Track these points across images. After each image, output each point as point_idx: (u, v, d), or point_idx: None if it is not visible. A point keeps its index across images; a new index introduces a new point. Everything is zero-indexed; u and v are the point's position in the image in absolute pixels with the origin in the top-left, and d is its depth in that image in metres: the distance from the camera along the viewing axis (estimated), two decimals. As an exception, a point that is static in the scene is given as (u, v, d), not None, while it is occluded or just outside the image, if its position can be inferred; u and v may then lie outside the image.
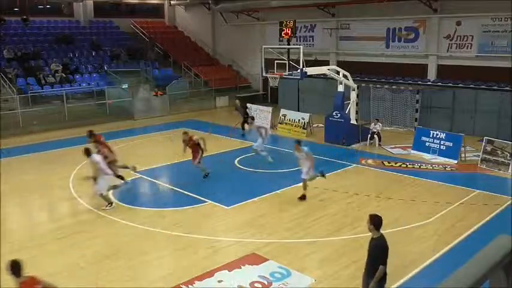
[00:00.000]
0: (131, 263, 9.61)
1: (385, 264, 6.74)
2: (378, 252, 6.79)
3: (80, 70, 28.56)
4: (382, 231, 6.91)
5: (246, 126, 20.85)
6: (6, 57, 27.33)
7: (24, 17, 30.96)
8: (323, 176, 13.29)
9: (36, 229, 11.57)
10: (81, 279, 9.03)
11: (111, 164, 13.35)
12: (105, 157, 13.01)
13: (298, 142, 12.87)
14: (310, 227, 11.20)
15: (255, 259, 9.60)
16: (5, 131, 21.35)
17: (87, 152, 12.36)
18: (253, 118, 19.12)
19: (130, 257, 9.89)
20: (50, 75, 26.77)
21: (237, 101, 23.21)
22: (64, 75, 27.18)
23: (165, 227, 11.31)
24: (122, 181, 13.68)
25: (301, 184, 12.92)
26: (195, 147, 14.67)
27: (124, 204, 12.89)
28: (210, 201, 12.93)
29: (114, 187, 13.26)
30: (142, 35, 35.08)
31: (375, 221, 6.84)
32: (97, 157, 12.37)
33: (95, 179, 12.24)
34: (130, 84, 27.54)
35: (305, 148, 12.68)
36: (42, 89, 25.74)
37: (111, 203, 12.50)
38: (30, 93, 24.79)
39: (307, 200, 12.86)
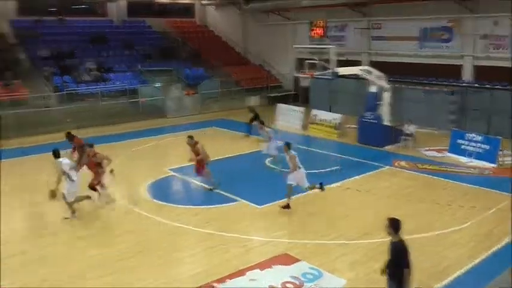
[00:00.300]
0: (163, 260, 9.69)
1: (407, 267, 6.71)
2: (397, 255, 6.78)
3: (113, 69, 29.03)
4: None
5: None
6: (43, 56, 28.00)
7: (60, 17, 31.82)
8: (321, 188, 12.50)
9: (73, 223, 11.77)
10: (114, 274, 9.14)
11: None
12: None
13: (287, 144, 12.12)
14: (342, 228, 11.09)
15: (286, 259, 9.55)
16: (42, 127, 21.95)
17: (55, 154, 11.69)
18: (262, 123, 18.03)
19: (162, 253, 9.98)
20: (85, 74, 27.31)
21: (251, 106, 22.99)
22: (99, 73, 27.69)
23: (197, 224, 11.36)
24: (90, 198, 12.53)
25: (335, 185, 12.75)
26: (201, 154, 13.69)
27: (157, 201, 13.03)
28: (242, 200, 12.94)
29: (79, 198, 12.16)
30: (174, 35, 35.41)
31: (394, 225, 6.82)
32: (64, 161, 11.70)
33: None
34: (162, 83, 27.84)
35: (292, 151, 12.01)
36: (78, 87, 26.27)
37: (74, 212, 11.88)
38: (66, 91, 25.33)
39: (338, 201, 12.72)
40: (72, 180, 11.62)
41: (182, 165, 16.24)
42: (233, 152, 18.25)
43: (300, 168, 11.99)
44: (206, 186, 14.04)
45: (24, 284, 8.78)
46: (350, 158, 17.42)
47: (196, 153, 13.65)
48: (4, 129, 20.93)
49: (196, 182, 14.65)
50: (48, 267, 9.45)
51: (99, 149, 13.42)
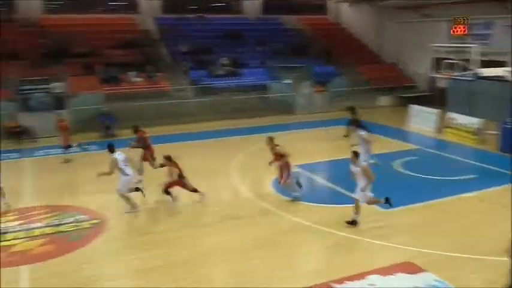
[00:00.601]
0: (283, 253, 9.74)
1: None
2: None
3: (246, 64, 29.94)
4: None
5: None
6: (182, 51, 29.83)
7: (200, 14, 33.66)
8: (388, 203, 11.16)
9: (199, 209, 12.33)
10: (234, 263, 9.41)
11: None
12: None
13: (355, 153, 10.93)
14: (475, 242, 10.19)
15: (410, 268, 9.02)
16: (178, 118, 23.48)
17: (110, 149, 12.04)
18: (358, 125, 16.47)
19: (283, 247, 10.02)
20: (219, 69, 28.53)
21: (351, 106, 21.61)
22: (232, 68, 28.77)
23: (317, 222, 11.23)
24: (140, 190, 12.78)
25: (469, 195, 11.78)
26: (281, 160, 12.64)
27: (280, 196, 13.13)
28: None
29: (135, 189, 12.53)
30: (306, 32, 35.49)
31: None
32: (119, 156, 11.93)
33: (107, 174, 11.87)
34: (292, 79, 28.10)
35: (363, 163, 11.09)
36: (212, 81, 27.51)
37: (134, 207, 12.11)
38: (201, 84, 26.71)
39: (472, 212, 11.74)
40: (126, 175, 11.96)
41: (307, 162, 16.25)
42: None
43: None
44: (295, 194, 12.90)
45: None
46: (489, 167, 16.00)
47: (277, 157, 12.69)
48: (146, 118, 22.84)
49: (321, 179, 14.48)
50: (171, 248, 10.02)
51: (231, 141, 13.84)
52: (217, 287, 8.73)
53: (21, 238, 10.71)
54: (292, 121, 24.64)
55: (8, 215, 12.06)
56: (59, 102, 23.10)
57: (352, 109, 19.08)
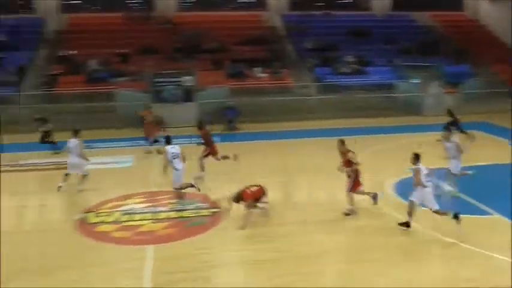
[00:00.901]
0: (397, 259, 9.38)
1: None
2: None
3: (372, 63, 29.06)
4: None
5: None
6: (307, 48, 29.83)
7: (327, 11, 33.44)
8: (456, 218, 9.96)
9: (319, 207, 12.16)
10: (345, 264, 9.24)
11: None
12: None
13: (417, 156, 10.43)
14: None
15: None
16: (300, 114, 23.57)
17: (167, 141, 12.54)
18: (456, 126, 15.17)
19: (397, 253, 9.65)
20: (344, 66, 28.04)
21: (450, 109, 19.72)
22: (357, 66, 28.13)
23: (436, 228, 10.43)
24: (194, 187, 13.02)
25: None
26: (351, 167, 11.56)
27: (398, 199, 12.48)
28: (496, 214, 11.45)
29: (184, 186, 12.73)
30: (440, 29, 33.48)
31: None
32: (171, 149, 12.24)
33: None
34: (421, 79, 26.72)
35: (419, 164, 10.32)
36: (336, 79, 27.13)
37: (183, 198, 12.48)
38: (325, 81, 26.49)
39: None
40: (176, 169, 12.14)
41: (431, 167, 15.18)
42: (494, 160, 16.31)
43: (425, 186, 10.20)
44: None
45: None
46: None
47: (347, 163, 11.65)
48: (268, 114, 23.26)
49: (445, 186, 13.45)
50: (285, 243, 10.01)
51: (353, 140, 13.40)
52: (324, 286, 8.53)
53: (148, 220, 11.43)
54: (419, 122, 23.37)
55: (135, 197, 12.94)
56: (188, 95, 24.40)
57: (450, 113, 18.57)
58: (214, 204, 12.21)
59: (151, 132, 18.37)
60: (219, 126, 22.52)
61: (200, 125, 14.90)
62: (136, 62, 26.80)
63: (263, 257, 9.39)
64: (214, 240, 10.34)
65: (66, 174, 13.72)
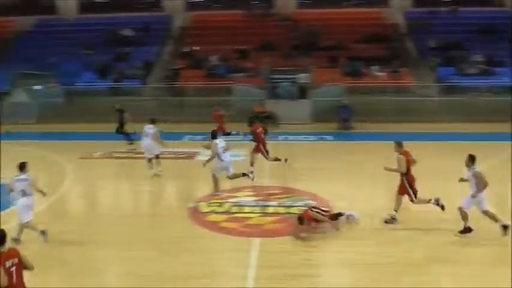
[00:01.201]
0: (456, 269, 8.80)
1: None
2: None
3: (503, 63, 26.75)
4: None
5: None
6: (430, 47, 28.29)
7: (454, 6, 31.37)
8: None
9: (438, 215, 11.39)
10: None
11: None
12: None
13: (472, 157, 9.94)
14: None
15: None
16: (418, 116, 22.58)
17: (213, 135, 12.95)
18: None
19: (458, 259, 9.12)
20: (471, 67, 26.20)
21: None
22: (485, 67, 26.12)
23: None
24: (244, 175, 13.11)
25: None
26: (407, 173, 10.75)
27: None
28: None
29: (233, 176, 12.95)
30: None
31: None
32: (219, 143, 12.64)
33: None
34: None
35: (475, 168, 9.84)
36: (460, 79, 25.51)
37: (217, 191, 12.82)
38: (448, 82, 24.96)
39: None
40: (222, 160, 12.52)
41: None
42: None
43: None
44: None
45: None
46: None
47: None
48: (384, 114, 22.40)
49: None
50: (393, 248, 9.59)
51: (468, 146, 12.37)
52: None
53: (256, 213, 11.61)
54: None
55: (245, 190, 13.20)
56: (302, 92, 24.38)
57: None
58: (324, 203, 11.96)
59: (221, 128, 19.08)
60: (333, 124, 22.27)
61: (250, 122, 15.48)
62: (254, 59, 27.37)
63: (360, 261, 9.11)
64: (320, 239, 10.16)
65: (149, 160, 14.73)
